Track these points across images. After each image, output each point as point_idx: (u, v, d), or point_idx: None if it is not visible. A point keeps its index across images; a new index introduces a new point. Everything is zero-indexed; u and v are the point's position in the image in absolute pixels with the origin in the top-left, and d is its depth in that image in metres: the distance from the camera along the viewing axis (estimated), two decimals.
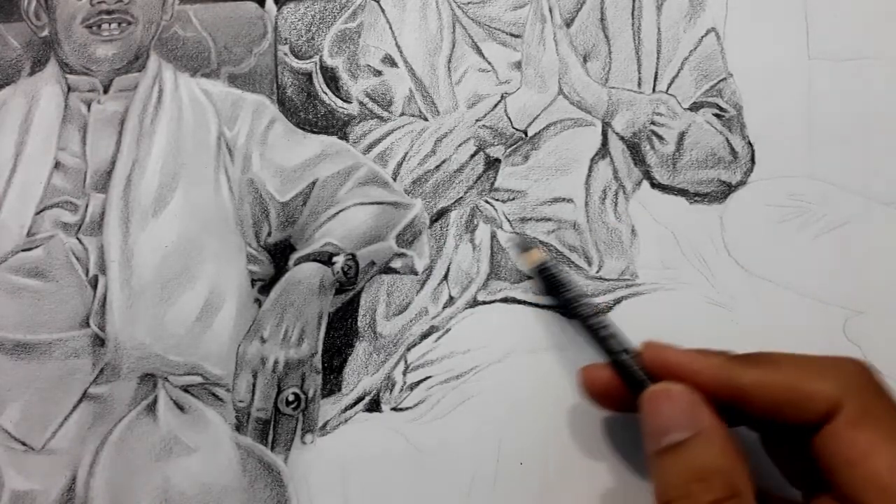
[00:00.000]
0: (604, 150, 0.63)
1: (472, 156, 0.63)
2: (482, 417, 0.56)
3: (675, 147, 0.62)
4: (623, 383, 0.49)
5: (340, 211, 0.62)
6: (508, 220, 0.61)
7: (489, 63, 0.65)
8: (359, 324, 0.60)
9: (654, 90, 0.63)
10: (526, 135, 0.63)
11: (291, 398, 0.56)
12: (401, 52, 0.66)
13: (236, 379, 0.57)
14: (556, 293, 0.55)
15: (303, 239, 0.62)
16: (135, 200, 0.61)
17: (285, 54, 0.67)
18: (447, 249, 0.61)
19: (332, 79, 0.66)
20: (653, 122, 0.62)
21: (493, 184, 0.62)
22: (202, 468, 0.55)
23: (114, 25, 0.65)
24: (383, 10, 0.66)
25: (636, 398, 0.47)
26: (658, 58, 0.64)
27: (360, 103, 0.65)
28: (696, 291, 0.58)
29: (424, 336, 0.59)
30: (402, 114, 0.65)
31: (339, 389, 0.58)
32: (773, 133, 0.61)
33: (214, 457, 0.56)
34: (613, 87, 0.63)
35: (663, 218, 0.60)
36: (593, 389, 0.51)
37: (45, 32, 0.66)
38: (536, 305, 0.59)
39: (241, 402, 0.57)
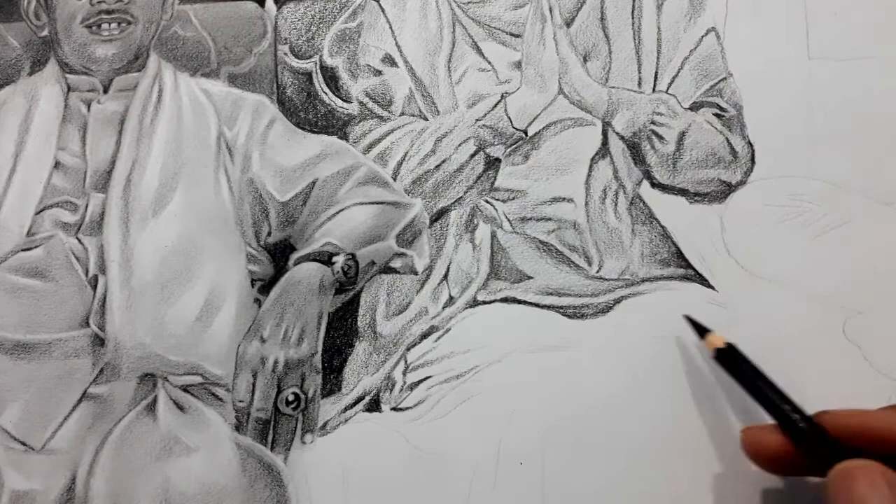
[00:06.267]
0: (604, 150, 0.63)
1: (472, 155, 0.63)
2: (482, 417, 0.56)
3: (676, 147, 0.62)
4: (805, 455, 0.48)
5: (340, 211, 0.62)
6: (508, 220, 0.61)
7: (489, 63, 0.65)
8: (359, 324, 0.60)
9: (654, 90, 0.63)
10: (526, 134, 0.63)
11: (291, 398, 0.56)
12: (401, 51, 0.66)
13: (236, 379, 0.57)
14: (739, 378, 0.53)
15: (303, 239, 0.62)
16: (135, 200, 0.61)
17: (285, 54, 0.67)
18: (447, 249, 0.61)
19: (331, 78, 0.66)
20: (653, 122, 0.62)
21: (493, 183, 0.62)
22: (202, 468, 0.55)
23: (113, 25, 0.65)
24: (383, 10, 0.66)
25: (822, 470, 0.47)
26: (658, 57, 0.64)
27: (360, 103, 0.65)
28: (696, 291, 0.58)
29: (424, 336, 0.59)
30: (402, 113, 0.64)
31: (339, 389, 0.58)
32: (773, 133, 0.61)
33: (214, 457, 0.56)
34: (613, 87, 0.63)
35: (663, 218, 0.60)
36: (759, 454, 0.50)
37: (45, 32, 0.66)
38: (536, 305, 0.59)
39: (240, 401, 0.57)
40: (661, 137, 0.62)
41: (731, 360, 0.53)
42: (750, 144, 0.61)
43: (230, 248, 0.61)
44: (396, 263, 0.61)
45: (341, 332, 0.59)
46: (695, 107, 0.63)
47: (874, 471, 0.45)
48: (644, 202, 0.61)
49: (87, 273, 0.60)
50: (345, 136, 0.64)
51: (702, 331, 0.54)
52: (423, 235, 0.61)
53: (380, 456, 0.56)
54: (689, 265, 0.59)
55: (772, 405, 0.50)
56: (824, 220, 0.58)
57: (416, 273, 0.61)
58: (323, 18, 0.67)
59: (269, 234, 0.62)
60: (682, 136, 0.62)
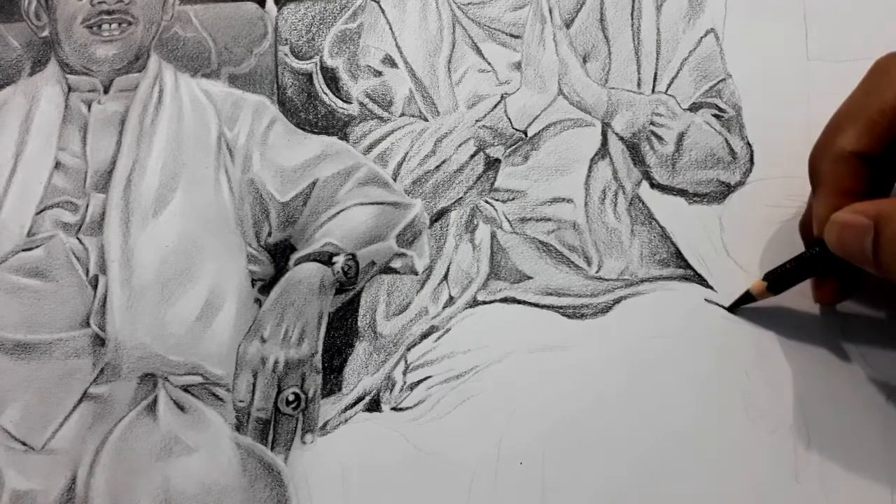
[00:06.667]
0: (603, 151, 0.63)
1: (472, 156, 0.63)
2: (482, 417, 0.56)
3: (675, 147, 0.62)
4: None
5: (341, 211, 0.62)
6: (508, 220, 0.62)
7: (489, 63, 0.65)
8: (359, 324, 0.60)
9: (653, 91, 0.63)
10: (526, 135, 0.63)
11: (291, 398, 0.56)
12: (401, 52, 0.66)
13: (236, 379, 0.57)
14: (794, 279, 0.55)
15: (303, 239, 0.62)
16: (135, 200, 0.61)
17: (286, 55, 0.67)
18: (447, 249, 0.61)
19: (332, 79, 0.66)
20: (652, 123, 0.62)
21: (493, 184, 0.63)
22: (202, 468, 0.55)
23: (114, 26, 0.65)
24: (383, 11, 0.66)
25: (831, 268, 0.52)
26: (657, 58, 0.64)
27: (361, 104, 0.65)
28: (696, 291, 0.58)
29: (424, 336, 0.59)
30: (403, 114, 0.65)
31: (339, 389, 0.58)
32: (772, 134, 0.61)
33: (214, 457, 0.56)
34: (613, 88, 0.64)
35: (663, 218, 0.61)
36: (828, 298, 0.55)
37: (46, 32, 0.67)
38: (536, 305, 0.59)
39: (241, 401, 0.57)
40: (660, 138, 0.62)
41: (781, 280, 0.54)
42: (749, 145, 0.61)
43: (230, 249, 0.61)
44: (396, 263, 0.61)
45: (341, 332, 0.60)
46: (694, 108, 0.63)
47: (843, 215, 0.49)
48: (643, 203, 0.61)
49: (87, 273, 0.60)
50: (345, 137, 0.64)
51: (743, 300, 0.56)
52: (424, 236, 0.61)
53: (380, 456, 0.56)
54: (688, 265, 0.59)
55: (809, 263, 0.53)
56: None
57: (416, 273, 0.61)
58: (323, 19, 0.67)
59: (269, 234, 0.62)
60: (681, 137, 0.62)
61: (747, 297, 0.56)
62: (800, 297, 0.56)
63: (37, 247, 0.61)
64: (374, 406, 0.58)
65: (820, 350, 0.55)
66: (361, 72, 0.66)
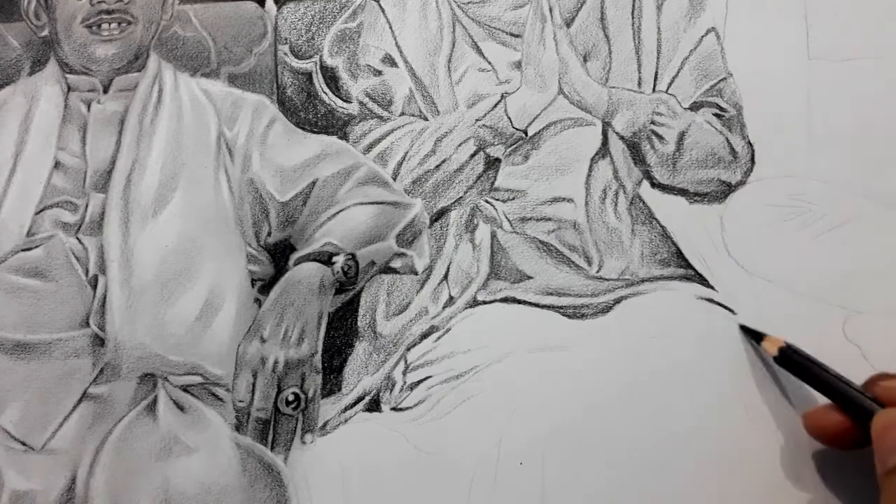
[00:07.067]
0: (604, 150, 0.63)
1: (472, 155, 0.63)
2: (482, 417, 0.56)
3: (675, 147, 0.62)
4: (855, 423, 0.50)
5: (340, 211, 0.62)
6: (508, 220, 0.62)
7: (489, 63, 0.65)
8: (359, 324, 0.60)
9: (654, 90, 0.63)
10: (526, 134, 0.63)
11: (291, 398, 0.56)
12: (401, 51, 0.66)
13: (236, 379, 0.57)
14: (802, 374, 0.53)
15: (303, 239, 0.62)
16: (135, 200, 0.61)
17: (285, 54, 0.67)
18: (447, 249, 0.61)
19: (332, 78, 0.66)
20: (653, 122, 0.62)
21: (493, 183, 0.63)
22: (202, 468, 0.55)
23: (114, 25, 0.65)
24: (383, 10, 0.66)
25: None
26: (658, 57, 0.64)
27: (360, 103, 0.65)
28: (696, 291, 0.58)
29: (424, 336, 0.59)
30: (402, 113, 0.65)
31: (339, 389, 0.58)
32: (772, 133, 0.61)
33: (214, 457, 0.56)
34: (613, 87, 0.63)
35: (663, 218, 0.60)
36: (825, 435, 0.52)
37: (45, 32, 0.66)
38: (536, 305, 0.59)
39: (241, 401, 0.57)
40: (660, 137, 0.62)
41: (792, 359, 0.53)
42: (750, 144, 0.61)
43: (230, 248, 0.61)
44: (396, 263, 0.61)
45: (341, 332, 0.60)
46: (695, 107, 0.63)
47: None
48: (644, 202, 0.61)
49: (87, 273, 0.60)
50: (345, 136, 0.64)
51: (757, 336, 0.55)
52: (423, 235, 0.61)
53: (380, 456, 0.56)
54: (688, 265, 0.59)
55: (839, 394, 0.51)
56: (824, 220, 0.58)
57: (416, 273, 0.61)
58: (323, 18, 0.67)
59: (269, 234, 0.62)
60: (681, 136, 0.62)
61: (757, 337, 0.55)
62: (801, 296, 0.56)
63: (36, 247, 0.61)
64: (374, 406, 0.58)
65: (820, 349, 0.55)
66: (361, 71, 0.66)
